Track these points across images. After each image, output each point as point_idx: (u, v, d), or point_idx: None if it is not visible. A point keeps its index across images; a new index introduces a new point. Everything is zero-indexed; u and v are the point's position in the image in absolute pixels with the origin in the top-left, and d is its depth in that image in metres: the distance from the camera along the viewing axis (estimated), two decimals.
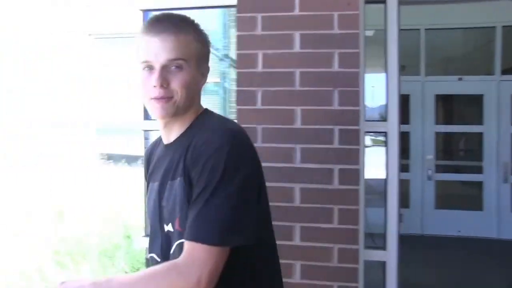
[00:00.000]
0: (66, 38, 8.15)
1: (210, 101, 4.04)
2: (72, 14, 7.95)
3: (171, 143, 1.36)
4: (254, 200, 1.26)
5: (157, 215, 1.38)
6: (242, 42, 2.31)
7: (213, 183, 1.18)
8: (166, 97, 1.26)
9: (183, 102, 1.27)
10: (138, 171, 7.85)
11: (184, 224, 1.24)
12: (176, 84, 1.26)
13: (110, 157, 8.67)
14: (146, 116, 2.63)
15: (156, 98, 1.27)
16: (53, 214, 6.07)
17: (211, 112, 1.39)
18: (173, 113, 1.29)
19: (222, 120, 1.35)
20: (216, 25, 3.81)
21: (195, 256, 1.16)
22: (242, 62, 2.31)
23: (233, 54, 3.52)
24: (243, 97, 2.32)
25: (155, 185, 1.39)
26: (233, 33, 3.08)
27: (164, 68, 1.26)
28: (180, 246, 1.26)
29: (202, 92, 1.38)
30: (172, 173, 1.31)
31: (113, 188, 7.19)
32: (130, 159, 8.26)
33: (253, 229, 1.22)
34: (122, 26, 7.27)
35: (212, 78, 4.03)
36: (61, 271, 4.36)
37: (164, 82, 1.25)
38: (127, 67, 6.86)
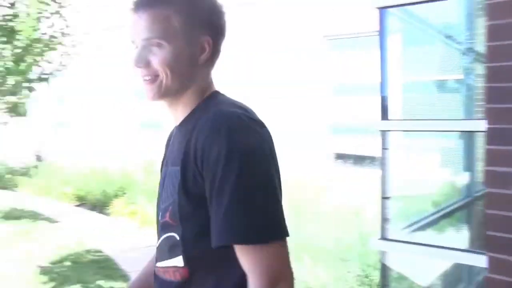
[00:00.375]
0: (300, 40, 8.51)
1: (451, 99, 3.74)
2: (307, 16, 8.29)
3: (180, 124, 1.26)
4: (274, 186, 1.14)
5: (157, 204, 1.31)
6: (494, 32, 2.03)
7: (230, 177, 1.06)
8: (150, 78, 1.18)
9: (170, 82, 1.17)
10: (368, 171, 7.80)
11: (175, 216, 1.17)
12: (156, 63, 1.16)
13: (340, 157, 8.78)
14: (384, 116, 2.52)
15: (144, 80, 1.19)
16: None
17: (219, 96, 1.25)
18: (162, 94, 1.20)
19: (228, 105, 1.19)
20: (457, 16, 3.49)
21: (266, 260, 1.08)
22: (494, 54, 2.03)
23: (479, 47, 3.16)
24: (494, 94, 2.04)
25: (163, 170, 1.32)
26: (481, 23, 2.76)
27: (145, 47, 1.17)
28: (168, 239, 1.20)
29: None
30: (174, 159, 1.23)
31: (345, 188, 7.26)
32: (360, 159, 8.24)
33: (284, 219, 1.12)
34: (357, 26, 7.28)
35: (453, 74, 3.71)
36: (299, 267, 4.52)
37: (141, 61, 1.16)
38: (365, 69, 6.82)
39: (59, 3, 4.38)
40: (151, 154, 9.56)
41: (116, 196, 8.67)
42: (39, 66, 4.40)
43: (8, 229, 7.46)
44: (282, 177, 1.20)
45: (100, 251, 6.33)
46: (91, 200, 9.25)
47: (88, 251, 6.34)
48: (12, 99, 4.22)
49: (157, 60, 1.16)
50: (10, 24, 3.96)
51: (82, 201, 9.46)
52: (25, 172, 11.63)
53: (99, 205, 8.86)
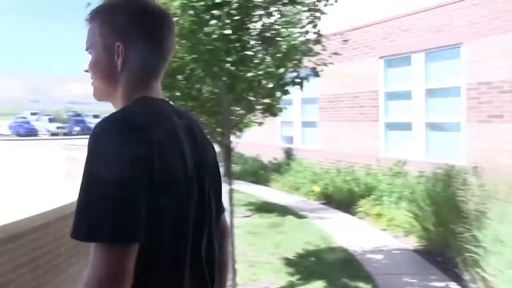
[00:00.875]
0: None
1: None
2: None
3: None
4: (128, 192, 1.09)
5: None
6: None
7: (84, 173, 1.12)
8: (91, 81, 1.37)
9: (97, 84, 1.36)
10: None
11: None
12: (87, 68, 1.37)
13: None
14: None
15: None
16: None
17: (142, 99, 1.27)
18: (96, 94, 1.39)
19: (126, 109, 1.25)
20: None
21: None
22: None
23: None
24: None
25: None
26: None
27: (88, 55, 1.37)
28: None
29: None
30: None
31: None
32: None
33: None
34: None
35: None
36: None
37: (84, 67, 1.37)
38: None
39: (314, 11, 4.59)
40: (398, 154, 9.41)
41: (362, 196, 8.70)
42: (296, 71, 4.64)
43: (261, 221, 8.19)
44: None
45: (345, 250, 6.43)
46: (338, 199, 9.49)
47: (332, 249, 6.50)
48: (268, 101, 4.57)
49: (87, 65, 1.36)
50: (272, 32, 4.30)
51: (329, 200, 9.78)
52: (276, 169, 12.60)
53: (345, 205, 9.02)
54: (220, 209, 1.47)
